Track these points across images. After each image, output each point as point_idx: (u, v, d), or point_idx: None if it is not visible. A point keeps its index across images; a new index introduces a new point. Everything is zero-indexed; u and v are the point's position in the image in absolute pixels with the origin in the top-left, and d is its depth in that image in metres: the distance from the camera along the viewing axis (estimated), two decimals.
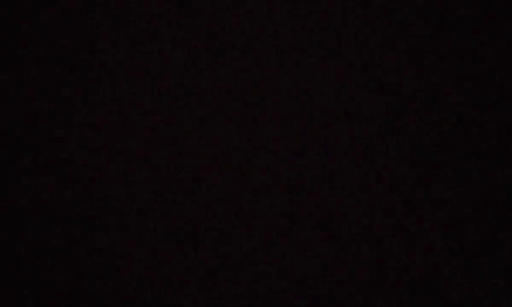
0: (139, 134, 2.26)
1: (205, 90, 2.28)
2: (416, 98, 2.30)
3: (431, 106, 2.29)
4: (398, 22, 2.30)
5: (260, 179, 2.27)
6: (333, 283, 2.26)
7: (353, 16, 2.30)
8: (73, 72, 2.26)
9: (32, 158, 2.24)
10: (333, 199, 2.27)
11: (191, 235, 2.26)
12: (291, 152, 2.28)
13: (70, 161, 2.25)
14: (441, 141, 2.29)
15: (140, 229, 2.25)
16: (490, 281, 2.26)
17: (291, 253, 2.26)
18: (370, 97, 2.29)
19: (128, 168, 2.25)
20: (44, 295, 2.23)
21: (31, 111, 2.25)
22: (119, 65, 2.26)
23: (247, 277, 2.25)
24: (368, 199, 2.27)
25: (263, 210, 2.26)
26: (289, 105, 2.28)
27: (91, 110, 2.26)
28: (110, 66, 2.26)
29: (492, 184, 2.29)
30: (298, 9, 2.30)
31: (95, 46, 2.27)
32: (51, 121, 2.25)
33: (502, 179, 2.28)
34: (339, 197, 2.27)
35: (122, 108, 2.26)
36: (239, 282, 2.25)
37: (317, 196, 2.27)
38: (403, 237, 2.27)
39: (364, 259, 2.26)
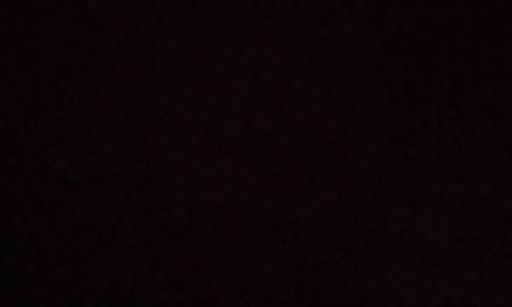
0: (138, 134, 2.25)
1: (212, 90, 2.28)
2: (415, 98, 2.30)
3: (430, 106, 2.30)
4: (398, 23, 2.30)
5: (261, 178, 2.27)
6: (333, 283, 2.26)
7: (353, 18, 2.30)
8: (74, 73, 2.26)
9: (32, 159, 2.24)
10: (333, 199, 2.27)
11: (191, 234, 2.25)
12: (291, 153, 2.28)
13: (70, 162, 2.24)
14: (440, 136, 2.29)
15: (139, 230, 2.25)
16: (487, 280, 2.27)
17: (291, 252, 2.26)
18: (372, 97, 2.29)
19: (127, 168, 2.25)
20: (44, 295, 2.23)
21: (31, 112, 2.25)
22: (119, 65, 2.26)
23: (246, 277, 2.25)
24: (368, 198, 2.28)
25: (263, 209, 2.26)
26: (289, 105, 2.28)
27: (89, 110, 2.25)
28: (110, 66, 2.26)
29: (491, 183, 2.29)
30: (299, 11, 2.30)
31: (92, 46, 2.27)
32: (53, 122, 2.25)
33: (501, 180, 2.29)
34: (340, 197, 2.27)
35: (123, 108, 2.25)
36: (238, 281, 2.25)
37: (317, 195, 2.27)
38: (403, 237, 2.27)
39: (364, 259, 2.26)
